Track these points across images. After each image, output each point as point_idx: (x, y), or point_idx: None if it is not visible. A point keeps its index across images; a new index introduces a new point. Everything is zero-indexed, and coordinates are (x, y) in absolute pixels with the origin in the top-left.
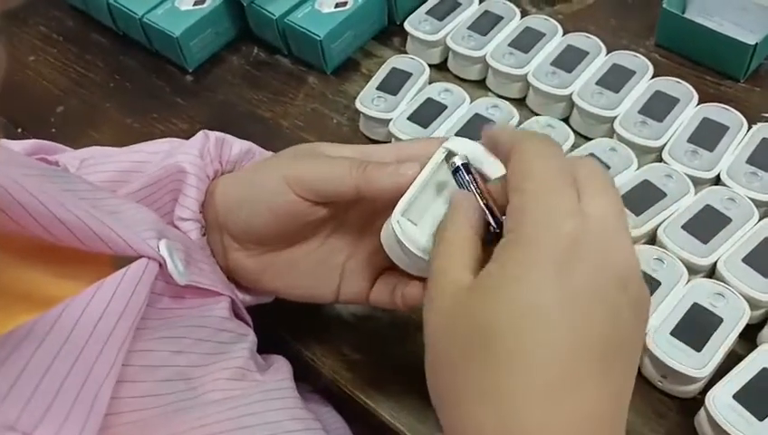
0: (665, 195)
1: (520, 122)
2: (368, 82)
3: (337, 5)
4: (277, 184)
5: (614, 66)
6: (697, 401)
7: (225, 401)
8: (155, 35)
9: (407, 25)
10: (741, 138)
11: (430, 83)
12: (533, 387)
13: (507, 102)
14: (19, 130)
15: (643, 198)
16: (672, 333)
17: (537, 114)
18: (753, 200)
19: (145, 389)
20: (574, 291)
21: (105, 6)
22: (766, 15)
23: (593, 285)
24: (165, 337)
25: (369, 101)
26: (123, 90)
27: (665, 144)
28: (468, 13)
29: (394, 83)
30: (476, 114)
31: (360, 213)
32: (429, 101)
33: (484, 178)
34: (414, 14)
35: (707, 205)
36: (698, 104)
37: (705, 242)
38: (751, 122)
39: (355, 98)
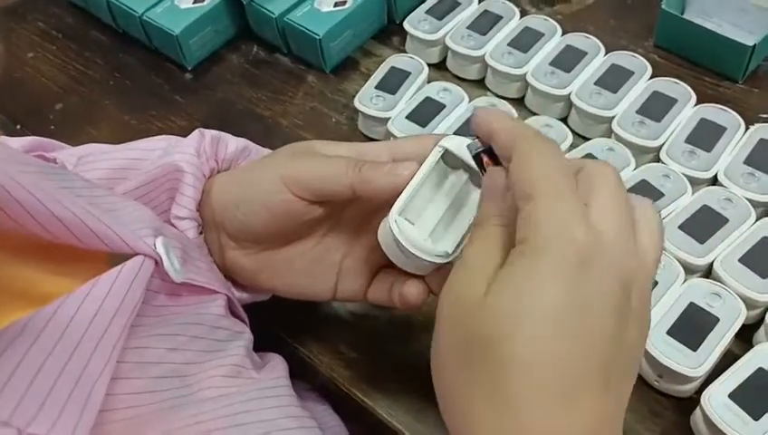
0: (662, 195)
1: None
2: (367, 80)
3: (336, 4)
4: (274, 183)
5: (613, 66)
6: (693, 401)
7: (220, 399)
8: (154, 33)
9: (406, 25)
10: (738, 138)
11: (429, 83)
12: (539, 394)
13: (506, 102)
14: (18, 126)
15: None
16: (668, 333)
17: (535, 114)
18: (750, 201)
19: (140, 386)
20: (583, 301)
21: (105, 4)
22: (765, 17)
23: (601, 296)
24: (161, 334)
25: (367, 99)
26: (122, 87)
27: (662, 144)
28: (468, 12)
29: (393, 82)
30: (475, 114)
31: (357, 211)
32: (428, 100)
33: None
34: (413, 13)
35: (704, 205)
36: (696, 105)
37: (702, 242)
38: (749, 123)
39: (354, 97)
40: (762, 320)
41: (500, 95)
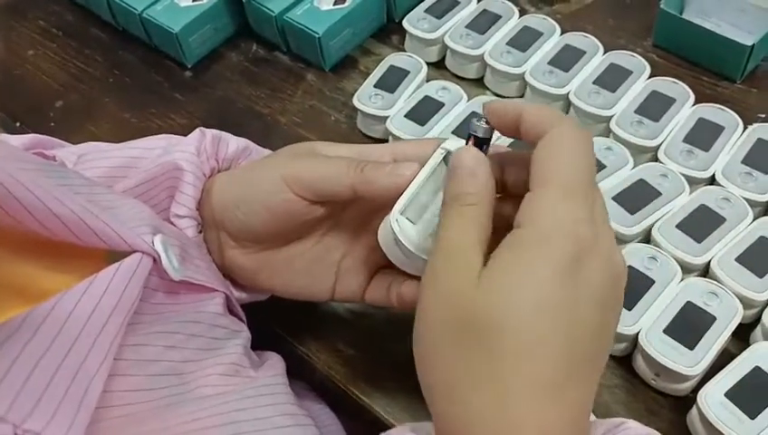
0: (660, 194)
1: None
2: (366, 79)
3: (336, 3)
4: (275, 183)
5: (611, 66)
6: (690, 399)
7: (216, 397)
8: (154, 31)
9: (405, 23)
10: (736, 138)
11: (428, 81)
12: (533, 380)
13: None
14: (18, 124)
15: (638, 197)
16: (665, 332)
17: None
18: (747, 200)
19: (137, 383)
20: (576, 295)
21: (105, 1)
22: (763, 17)
23: (595, 290)
24: (158, 332)
25: (366, 98)
26: (122, 85)
27: (661, 144)
28: (467, 11)
29: (392, 81)
30: (473, 113)
31: (356, 212)
32: (427, 99)
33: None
34: (412, 12)
35: (702, 204)
36: (695, 104)
37: (700, 241)
38: (747, 123)
39: (353, 95)
40: (758, 319)
41: (499, 94)
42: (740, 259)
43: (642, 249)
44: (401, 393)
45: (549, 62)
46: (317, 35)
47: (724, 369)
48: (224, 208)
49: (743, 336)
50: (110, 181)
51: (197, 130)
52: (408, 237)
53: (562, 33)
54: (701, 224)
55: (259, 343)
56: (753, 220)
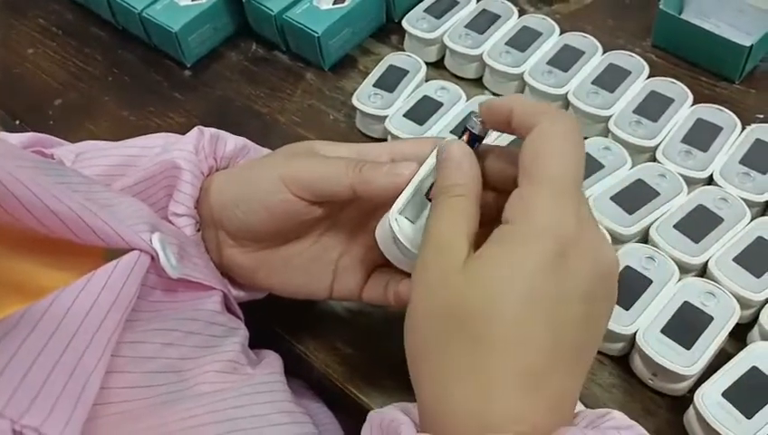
0: (658, 194)
1: None
2: (365, 78)
3: (335, 2)
4: (273, 183)
5: (610, 66)
6: (687, 399)
7: (213, 394)
8: (154, 30)
9: (404, 23)
10: (734, 139)
11: (427, 81)
12: (516, 370)
13: None
14: (17, 122)
15: (636, 196)
16: (662, 331)
17: None
18: (745, 201)
19: (134, 380)
20: (564, 286)
21: (104, 0)
22: (762, 18)
23: (580, 283)
24: (156, 329)
25: (365, 97)
26: (121, 84)
27: (659, 144)
28: (466, 11)
29: (391, 81)
30: (472, 112)
31: (354, 211)
32: (426, 98)
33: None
34: (412, 11)
35: (700, 204)
36: (693, 105)
37: (697, 241)
38: (745, 124)
39: (352, 94)
40: (755, 319)
41: (498, 94)
42: (737, 259)
43: (640, 249)
44: (398, 392)
45: (548, 63)
46: (316, 35)
47: (722, 369)
48: (222, 207)
49: (740, 336)
50: (108, 179)
51: (196, 128)
52: (406, 236)
53: (561, 33)
54: (699, 224)
55: (257, 342)
56: (751, 220)
